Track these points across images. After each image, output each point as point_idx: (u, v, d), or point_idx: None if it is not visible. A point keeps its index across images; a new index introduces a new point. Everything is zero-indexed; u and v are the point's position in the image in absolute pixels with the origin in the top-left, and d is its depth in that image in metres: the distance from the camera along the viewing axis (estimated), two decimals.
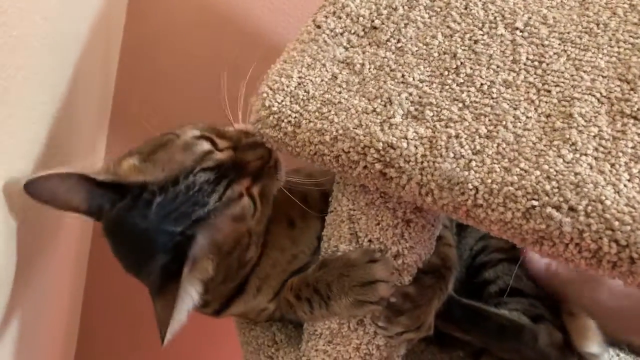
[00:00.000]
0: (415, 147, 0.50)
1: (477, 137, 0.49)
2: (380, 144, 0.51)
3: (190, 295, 0.56)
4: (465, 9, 0.58)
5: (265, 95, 0.56)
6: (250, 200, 0.60)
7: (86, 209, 0.58)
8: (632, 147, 0.46)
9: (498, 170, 0.47)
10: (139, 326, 1.31)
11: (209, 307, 0.67)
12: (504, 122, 0.50)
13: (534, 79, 0.52)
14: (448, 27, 0.57)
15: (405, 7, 0.59)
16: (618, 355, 0.81)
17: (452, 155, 0.49)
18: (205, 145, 0.59)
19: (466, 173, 0.48)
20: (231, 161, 0.59)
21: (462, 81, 0.53)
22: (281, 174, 0.64)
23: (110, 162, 0.61)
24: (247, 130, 0.62)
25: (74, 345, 1.23)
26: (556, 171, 0.46)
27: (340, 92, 0.55)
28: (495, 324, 0.68)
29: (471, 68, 0.54)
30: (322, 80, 0.56)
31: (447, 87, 0.53)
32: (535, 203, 0.45)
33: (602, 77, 0.51)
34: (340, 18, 0.59)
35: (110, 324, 1.28)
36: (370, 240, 0.59)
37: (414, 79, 0.54)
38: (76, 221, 0.93)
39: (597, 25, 0.54)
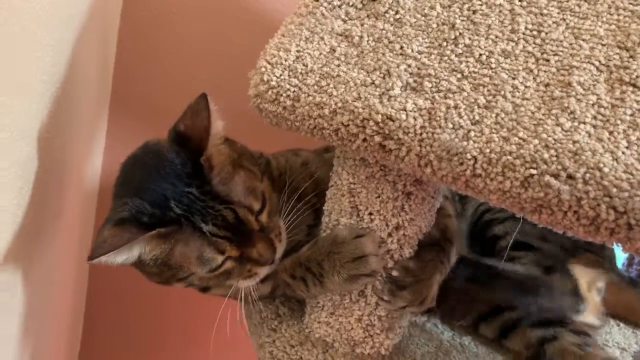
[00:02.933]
0: (414, 118, 0.50)
1: (476, 107, 0.49)
2: (379, 116, 0.51)
3: (137, 250, 0.59)
4: None
5: (263, 69, 0.56)
6: (218, 262, 0.60)
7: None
8: (631, 115, 0.46)
9: (497, 139, 0.47)
10: (143, 315, 1.32)
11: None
12: (502, 92, 0.50)
13: (533, 48, 0.52)
14: None
15: None
16: (618, 325, 0.82)
17: (451, 126, 0.49)
18: (255, 205, 0.61)
19: (465, 143, 0.48)
20: (249, 230, 0.60)
21: (460, 52, 0.53)
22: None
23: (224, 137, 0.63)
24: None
25: (79, 334, 1.24)
26: (554, 140, 0.46)
27: (338, 65, 0.55)
28: (514, 280, 0.70)
29: (470, 38, 0.54)
30: (320, 54, 0.56)
31: (446, 58, 0.53)
32: (533, 172, 0.45)
33: (601, 45, 0.51)
34: None
35: (115, 311, 1.30)
36: (370, 213, 0.59)
37: (412, 51, 0.54)
38: (77, 205, 0.94)
39: None
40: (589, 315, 0.72)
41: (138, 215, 0.58)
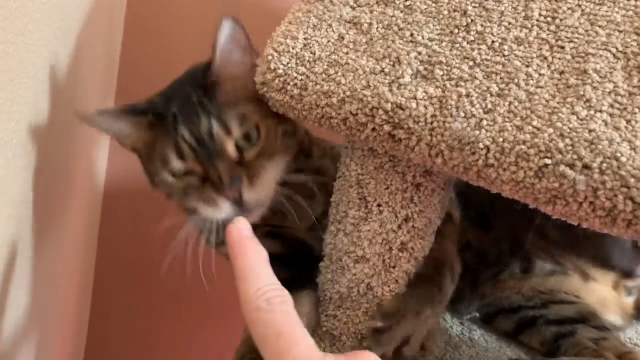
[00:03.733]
0: (425, 107, 0.49)
1: (489, 95, 0.48)
2: (389, 104, 0.50)
3: (129, 128, 0.63)
4: None
5: (270, 57, 0.55)
6: (175, 166, 0.61)
7: None
8: None
9: (510, 128, 0.46)
10: (149, 314, 1.32)
11: None
12: (515, 80, 0.48)
13: (547, 35, 0.51)
14: None
15: None
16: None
17: (462, 114, 0.48)
18: (235, 130, 0.60)
19: (477, 132, 0.47)
20: (217, 149, 0.59)
21: (472, 39, 0.52)
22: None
23: None
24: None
25: (85, 331, 1.24)
26: (570, 128, 0.45)
27: (347, 53, 0.53)
28: None
29: (482, 25, 0.52)
30: (328, 41, 0.54)
31: (458, 45, 0.52)
32: (548, 161, 0.44)
33: (618, 31, 0.49)
34: None
35: (121, 309, 1.30)
36: (379, 205, 0.58)
37: (423, 38, 0.53)
38: (83, 196, 0.94)
39: None
40: (611, 314, 0.70)
41: (146, 105, 0.63)
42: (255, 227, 0.45)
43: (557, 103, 0.47)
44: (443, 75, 0.50)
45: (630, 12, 0.50)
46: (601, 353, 0.61)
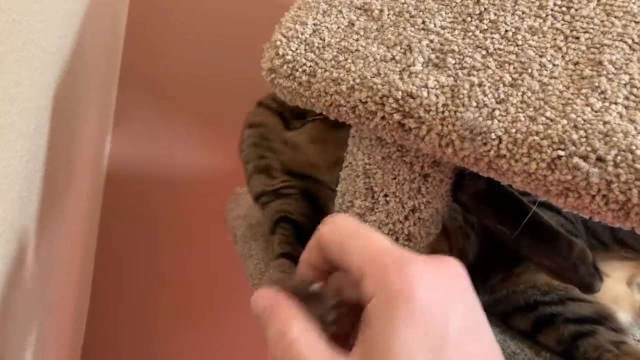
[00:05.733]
0: (436, 96, 0.48)
1: (501, 85, 0.47)
2: (400, 93, 0.49)
3: None
4: None
5: (278, 43, 0.54)
6: None
7: None
8: None
9: (523, 119, 0.45)
10: (149, 302, 1.32)
11: None
12: (529, 70, 0.48)
13: (562, 25, 0.50)
14: None
15: None
16: None
17: (474, 104, 0.47)
18: None
19: (489, 122, 0.46)
20: None
21: (485, 28, 0.51)
22: None
23: None
24: None
25: (85, 314, 1.24)
26: (584, 120, 0.44)
27: (357, 40, 0.53)
28: (534, 220, 0.61)
29: (495, 14, 0.51)
30: (338, 27, 0.54)
31: (470, 33, 0.51)
32: (561, 153, 0.43)
33: (635, 22, 0.48)
34: None
35: (120, 299, 1.30)
36: (386, 195, 0.58)
37: (435, 26, 0.52)
38: (85, 180, 0.93)
39: None
40: (622, 313, 0.69)
41: None
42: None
43: (572, 94, 0.46)
44: (455, 64, 0.49)
45: None
46: (623, 359, 0.60)
